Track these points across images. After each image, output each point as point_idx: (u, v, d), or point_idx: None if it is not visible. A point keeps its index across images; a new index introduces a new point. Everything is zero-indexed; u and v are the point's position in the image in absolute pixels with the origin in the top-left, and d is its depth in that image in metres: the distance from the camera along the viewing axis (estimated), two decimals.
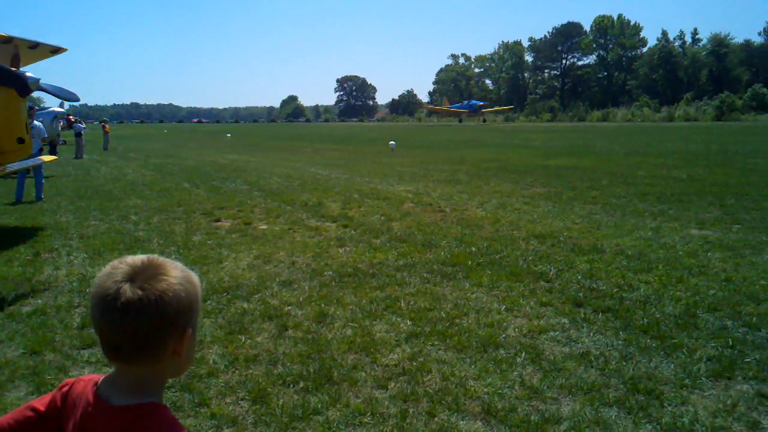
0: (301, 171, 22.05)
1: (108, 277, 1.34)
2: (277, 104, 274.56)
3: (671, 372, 4.80)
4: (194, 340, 1.42)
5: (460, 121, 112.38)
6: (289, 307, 6.49)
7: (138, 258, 1.38)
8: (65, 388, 1.49)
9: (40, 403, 1.51)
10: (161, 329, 1.33)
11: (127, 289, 1.30)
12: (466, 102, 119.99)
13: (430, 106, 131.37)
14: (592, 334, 5.62)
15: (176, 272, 1.37)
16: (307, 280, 7.51)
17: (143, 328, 1.31)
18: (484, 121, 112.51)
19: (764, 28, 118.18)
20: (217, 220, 11.87)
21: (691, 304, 6.33)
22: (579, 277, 7.40)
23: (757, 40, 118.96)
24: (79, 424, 1.39)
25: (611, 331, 5.68)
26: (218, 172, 21.69)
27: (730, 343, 5.31)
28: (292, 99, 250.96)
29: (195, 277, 1.41)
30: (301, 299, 6.75)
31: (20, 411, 1.51)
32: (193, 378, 4.77)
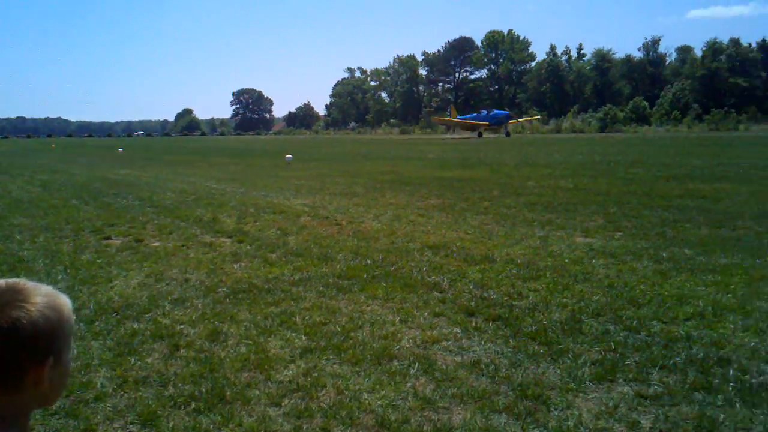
0: (195, 186, 21.64)
1: None
2: (171, 117, 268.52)
3: (557, 377, 4.98)
4: (61, 368, 1.38)
5: (480, 135, 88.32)
6: (182, 326, 6.36)
7: None
8: None
9: None
10: (16, 358, 1.28)
11: None
12: (485, 112, 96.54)
13: (439, 119, 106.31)
14: (483, 343, 5.77)
15: (37, 298, 1.32)
16: (200, 298, 7.38)
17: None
18: (508, 134, 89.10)
19: (643, 44, 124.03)
20: (107, 238, 11.50)
21: (577, 310, 6.59)
22: (471, 287, 7.58)
23: (637, 55, 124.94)
24: None
25: (501, 339, 5.84)
26: (109, 188, 21.01)
27: (613, 347, 5.56)
28: (187, 112, 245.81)
29: (62, 303, 1.36)
30: (193, 317, 6.63)
31: None
32: (79, 403, 4.62)
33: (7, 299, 1.30)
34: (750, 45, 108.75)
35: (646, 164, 27.10)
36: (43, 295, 1.34)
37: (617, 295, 7.13)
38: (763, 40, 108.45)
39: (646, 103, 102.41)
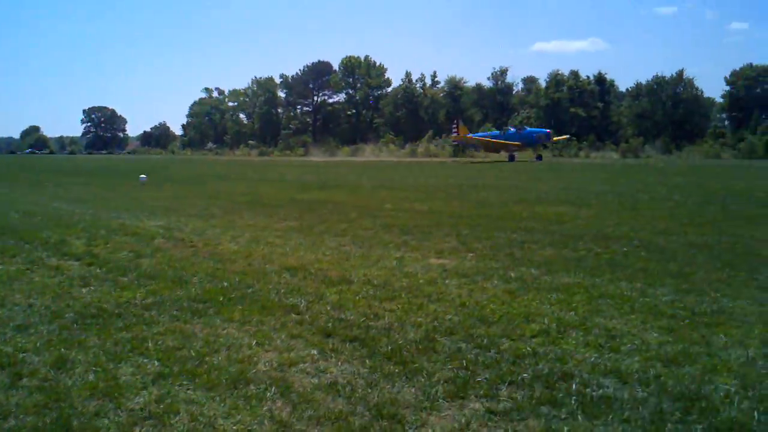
0: (42, 206, 20.54)
1: None
2: (16, 135, 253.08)
3: (412, 395, 5.11)
4: None
5: (512, 158, 71.85)
6: (25, 354, 6.04)
7: None
8: None
9: None
10: None
11: None
12: (512, 129, 77.00)
13: (455, 136, 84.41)
14: (340, 364, 5.83)
15: None
16: (45, 324, 7.03)
17: None
18: (539, 157, 73.90)
19: (492, 74, 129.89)
20: None
21: (431, 329, 6.78)
22: (328, 308, 7.64)
23: (487, 83, 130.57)
24: None
25: (358, 360, 5.93)
26: None
27: (464, 365, 5.77)
28: (35, 129, 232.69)
29: None
30: (38, 344, 6.30)
31: None
32: None
33: None
34: (588, 78, 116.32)
35: (497, 188, 28.29)
36: None
37: (469, 314, 7.40)
38: (599, 74, 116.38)
39: (496, 129, 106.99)
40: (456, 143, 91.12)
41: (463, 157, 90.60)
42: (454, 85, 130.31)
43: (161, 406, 4.87)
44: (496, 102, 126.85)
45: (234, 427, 4.52)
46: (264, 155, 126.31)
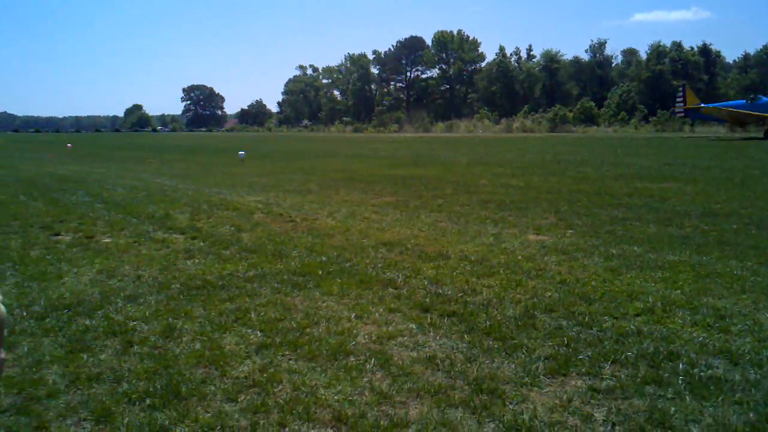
0: (147, 182, 21.33)
1: None
2: (120, 113, 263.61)
3: (512, 371, 5.05)
4: None
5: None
6: (135, 323, 6.28)
7: None
8: None
9: None
10: None
11: None
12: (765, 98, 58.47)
13: (683, 106, 66.04)
14: (438, 338, 5.82)
15: None
16: (153, 294, 7.30)
17: None
18: None
19: (590, 46, 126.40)
20: (57, 234, 11.28)
21: (530, 306, 6.68)
22: (426, 283, 7.63)
23: (585, 57, 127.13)
24: None
25: (456, 335, 5.90)
26: (58, 184, 20.60)
27: (566, 342, 5.66)
28: (137, 108, 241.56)
29: None
30: (147, 314, 6.55)
31: None
32: (31, 400, 4.53)
33: None
34: (692, 48, 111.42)
35: (595, 164, 27.58)
36: None
37: (569, 291, 7.25)
38: (704, 45, 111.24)
39: (593, 104, 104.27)
40: (683, 114, 73.33)
41: (677, 130, 78.25)
42: (551, 59, 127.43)
43: (264, 375, 4.98)
44: (594, 75, 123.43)
45: (335, 397, 4.57)
46: (358, 132, 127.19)
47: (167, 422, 4.20)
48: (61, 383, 4.85)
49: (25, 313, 6.53)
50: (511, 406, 4.45)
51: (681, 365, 5.10)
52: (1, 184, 20.73)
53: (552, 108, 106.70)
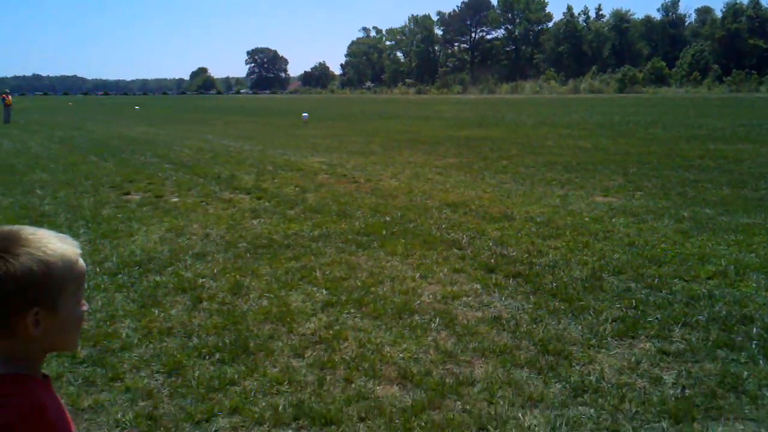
0: (212, 143, 21.65)
1: None
2: (186, 76, 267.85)
3: (579, 333, 4.98)
4: (59, 317, 1.38)
5: None
6: (203, 280, 6.41)
7: None
8: None
9: None
10: (4, 305, 1.31)
11: None
12: None
13: None
14: (503, 299, 5.77)
15: (25, 249, 1.33)
16: (221, 252, 7.42)
17: None
18: None
19: (662, 5, 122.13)
20: (127, 194, 11.56)
21: (597, 268, 6.57)
22: (490, 244, 7.57)
23: (657, 16, 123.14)
24: None
25: (522, 295, 5.84)
26: (127, 145, 21.08)
27: (634, 304, 5.55)
28: (202, 71, 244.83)
29: (54, 256, 1.35)
30: (215, 271, 6.67)
31: None
32: (106, 353, 4.67)
33: (5, 245, 1.32)
34: None
35: (665, 125, 26.83)
36: (33, 248, 1.33)
37: (638, 253, 7.09)
38: None
39: (665, 64, 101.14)
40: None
41: None
42: (621, 18, 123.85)
43: (330, 332, 5.02)
44: (666, 35, 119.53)
45: (400, 355, 4.59)
46: (421, 94, 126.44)
47: (236, 376, 4.28)
48: (134, 337, 4.99)
49: (98, 270, 6.72)
50: (577, 367, 4.40)
51: (755, 329, 4.95)
52: (74, 146, 21.33)
53: (621, 68, 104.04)
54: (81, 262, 1.42)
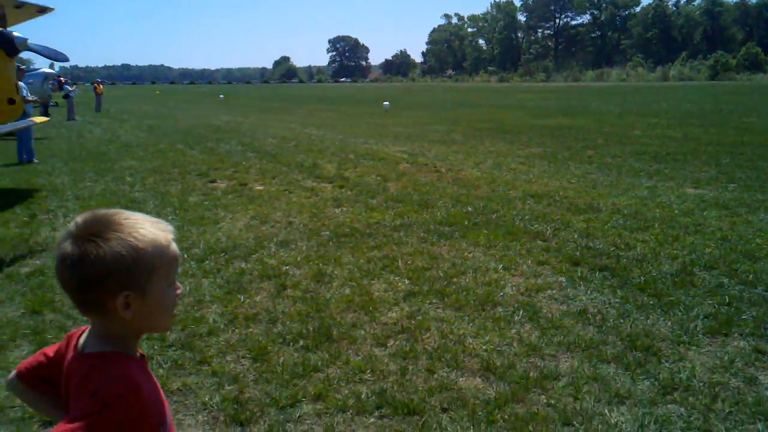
0: (295, 132, 21.94)
1: (64, 231, 1.40)
2: (269, 65, 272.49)
3: (668, 329, 4.83)
4: (149, 300, 1.43)
5: None
6: (287, 267, 6.49)
7: (88, 215, 1.42)
8: (70, 337, 1.55)
9: (51, 349, 1.60)
10: (90, 288, 1.37)
11: (67, 246, 1.37)
12: None
13: None
14: (589, 292, 5.65)
15: (116, 234, 1.37)
16: (304, 240, 7.51)
17: (74, 285, 1.38)
18: None
19: None
20: (213, 181, 11.83)
21: (688, 262, 6.35)
22: (575, 236, 7.42)
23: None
24: (65, 369, 1.48)
25: (608, 289, 5.71)
26: (212, 133, 21.58)
27: (727, 301, 5.35)
28: (285, 60, 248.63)
29: (144, 241, 1.40)
30: (298, 259, 6.76)
31: (36, 356, 1.62)
32: (194, 337, 4.79)
33: (91, 231, 1.37)
34: None
35: (761, 113, 25.72)
36: (124, 233, 1.38)
37: (731, 248, 6.83)
38: None
39: (760, 50, 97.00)
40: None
41: None
42: (713, 2, 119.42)
43: (413, 322, 5.02)
44: (762, 19, 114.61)
45: (483, 347, 4.54)
46: (503, 81, 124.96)
47: (320, 363, 4.33)
48: (221, 322, 5.10)
49: (186, 256, 6.89)
50: (667, 364, 4.26)
51: None
52: (162, 134, 21.95)
53: (713, 54, 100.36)
54: (173, 246, 1.47)
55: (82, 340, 1.50)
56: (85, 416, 1.29)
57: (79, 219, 1.41)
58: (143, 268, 1.39)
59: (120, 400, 1.34)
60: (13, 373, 1.63)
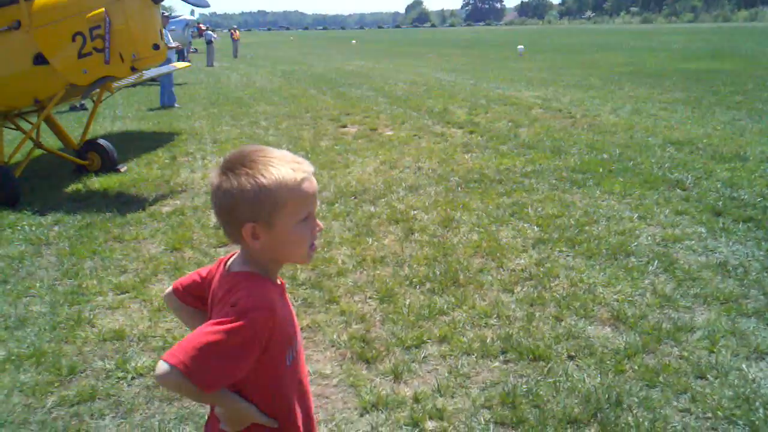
0: (426, 77, 21.82)
1: (217, 166, 1.54)
2: (401, 9, 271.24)
3: None
4: (278, 234, 1.54)
5: None
6: (415, 212, 6.53)
7: (235, 150, 1.55)
8: (220, 261, 1.71)
9: (204, 270, 1.79)
10: (225, 216, 1.54)
11: (213, 177, 1.53)
12: None
13: None
14: (730, 244, 5.37)
15: (247, 170, 1.48)
16: (432, 186, 7.51)
17: (215, 211, 1.57)
18: None
19: None
20: (344, 126, 12.00)
21: None
22: (718, 186, 7.03)
23: None
24: (212, 287, 1.67)
25: (752, 242, 5.40)
26: (344, 79, 21.82)
27: None
28: (417, 4, 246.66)
29: (273, 179, 1.48)
30: (426, 204, 6.78)
31: (191, 275, 1.82)
32: (323, 277, 4.93)
33: (227, 165, 1.50)
34: None
35: None
36: (254, 169, 1.49)
37: None
38: None
39: None
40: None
41: None
42: None
43: (541, 269, 4.95)
44: None
45: (614, 296, 4.43)
46: (647, 23, 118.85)
47: (446, 306, 4.35)
48: (349, 263, 5.22)
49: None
50: None
51: None
52: (295, 79, 22.41)
53: None
54: (306, 185, 1.54)
55: (229, 263, 1.66)
56: (225, 322, 1.45)
57: (229, 153, 1.55)
58: (267, 203, 1.49)
59: (256, 313, 1.48)
60: (170, 288, 1.82)
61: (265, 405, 1.62)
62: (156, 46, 7.95)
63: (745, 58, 25.65)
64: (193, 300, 1.79)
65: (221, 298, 1.55)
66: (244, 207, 1.49)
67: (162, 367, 1.41)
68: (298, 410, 1.69)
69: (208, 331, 1.45)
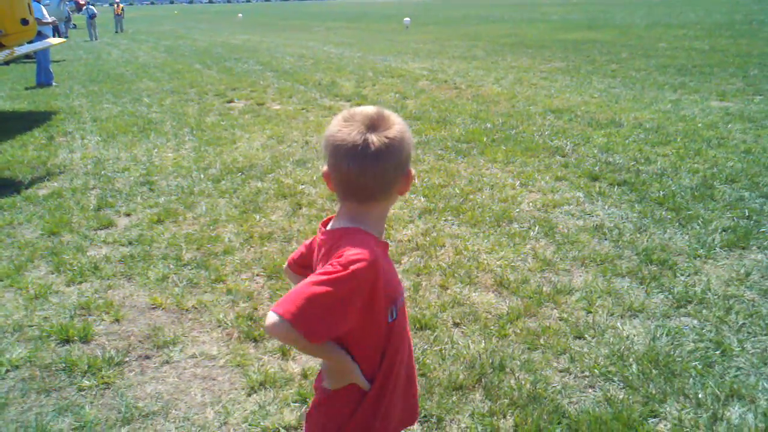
0: (314, 50, 21.63)
1: (349, 129, 1.53)
2: None
3: (685, 243, 4.79)
4: (409, 177, 1.63)
5: None
6: (303, 186, 6.49)
7: (367, 110, 1.58)
8: (321, 225, 1.76)
9: (309, 240, 1.88)
10: (398, 171, 1.58)
11: (375, 139, 1.51)
12: None
13: None
14: (606, 207, 5.60)
15: (399, 120, 1.58)
16: (320, 159, 7.47)
17: (389, 171, 1.55)
18: None
19: None
20: (230, 101, 11.75)
21: (709, 176, 6.26)
22: (595, 151, 7.31)
23: None
24: (317, 248, 1.70)
25: (626, 204, 5.65)
26: (230, 53, 21.35)
27: (747, 214, 5.28)
28: None
29: (407, 128, 1.58)
30: (314, 178, 6.74)
31: (299, 248, 1.92)
32: (209, 255, 4.83)
33: (385, 123, 1.55)
34: None
35: None
36: (398, 118, 1.58)
37: (754, 161, 6.71)
38: None
39: None
40: None
41: None
42: None
43: (427, 239, 5.02)
44: None
45: (497, 262, 4.54)
46: None
47: None
48: (236, 241, 5.13)
49: (202, 176, 6.90)
50: (682, 278, 4.24)
51: None
52: (179, 54, 21.75)
53: None
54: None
55: (330, 225, 1.70)
56: (331, 273, 1.47)
57: (365, 115, 1.56)
58: (412, 148, 1.62)
59: (360, 265, 1.48)
60: (286, 263, 1.96)
61: (368, 364, 1.66)
62: (25, 21, 7.56)
63: (620, 27, 26.68)
64: (303, 270, 1.84)
65: (326, 253, 1.60)
66: (404, 156, 1.56)
67: (271, 317, 1.44)
68: (401, 372, 1.75)
69: (314, 281, 1.48)
